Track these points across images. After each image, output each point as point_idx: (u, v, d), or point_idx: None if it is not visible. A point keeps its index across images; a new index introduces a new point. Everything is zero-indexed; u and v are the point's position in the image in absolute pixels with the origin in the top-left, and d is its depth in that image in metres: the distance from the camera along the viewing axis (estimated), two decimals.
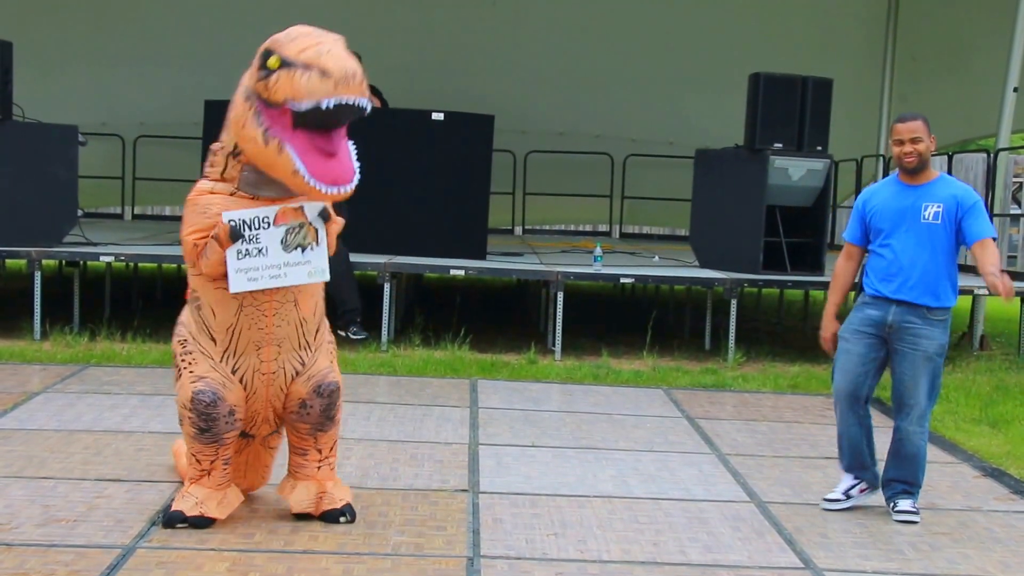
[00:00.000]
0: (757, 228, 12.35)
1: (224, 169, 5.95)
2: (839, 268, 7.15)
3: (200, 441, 6.03)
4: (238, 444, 6.30)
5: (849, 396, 6.90)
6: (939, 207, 6.67)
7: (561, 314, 11.95)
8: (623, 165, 20.47)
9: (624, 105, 20.05)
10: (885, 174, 17.07)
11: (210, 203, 5.92)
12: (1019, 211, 23.11)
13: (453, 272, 12.73)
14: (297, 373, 6.16)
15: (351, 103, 5.44)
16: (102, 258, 12.51)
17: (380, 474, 7.36)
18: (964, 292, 13.09)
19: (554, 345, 12.05)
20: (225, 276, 5.87)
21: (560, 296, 11.94)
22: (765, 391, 10.79)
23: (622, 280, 13.32)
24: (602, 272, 12.65)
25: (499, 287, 19.89)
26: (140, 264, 15.31)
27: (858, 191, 14.04)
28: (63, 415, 8.65)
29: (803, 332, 14.73)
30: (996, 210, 14.63)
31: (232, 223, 5.77)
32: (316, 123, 5.55)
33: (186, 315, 6.18)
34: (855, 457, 6.98)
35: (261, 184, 5.89)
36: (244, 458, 6.46)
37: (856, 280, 7.14)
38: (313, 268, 6.00)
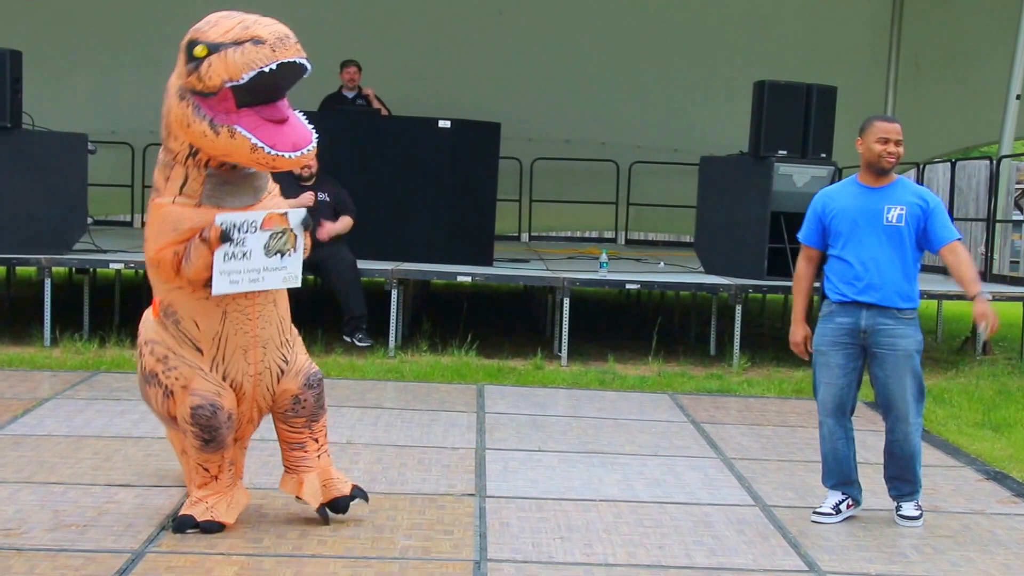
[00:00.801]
0: (762, 234, 12.38)
1: (184, 182, 5.86)
2: (801, 271, 7.06)
3: (205, 451, 6.07)
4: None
5: (836, 409, 6.80)
6: (902, 209, 6.63)
7: (567, 320, 11.99)
8: (628, 172, 20.50)
9: (629, 113, 20.09)
10: None
11: (180, 217, 5.85)
12: (1021, 217, 23.14)
13: (460, 278, 12.76)
14: (282, 372, 6.23)
15: (292, 62, 5.45)
16: (112, 265, 12.56)
17: (388, 478, 7.40)
18: (967, 297, 13.12)
19: (560, 351, 12.09)
20: (208, 283, 5.87)
21: (566, 302, 11.98)
22: (770, 396, 10.83)
23: (628, 286, 13.39)
24: (608, 278, 12.69)
25: (506, 293, 19.91)
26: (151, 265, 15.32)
27: None
28: (73, 421, 8.70)
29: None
30: (999, 216, 14.67)
31: (223, 225, 5.78)
32: (259, 96, 5.56)
33: (157, 332, 6.13)
34: (842, 474, 6.88)
35: (225, 195, 5.86)
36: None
37: (816, 284, 7.07)
38: (288, 274, 6.02)
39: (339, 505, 6.34)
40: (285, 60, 5.44)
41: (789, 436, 9.16)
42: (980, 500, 7.53)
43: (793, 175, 12.34)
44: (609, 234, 21.53)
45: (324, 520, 6.32)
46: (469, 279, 12.78)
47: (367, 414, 9.28)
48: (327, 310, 12.27)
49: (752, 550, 6.29)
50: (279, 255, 5.95)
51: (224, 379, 6.07)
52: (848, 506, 6.89)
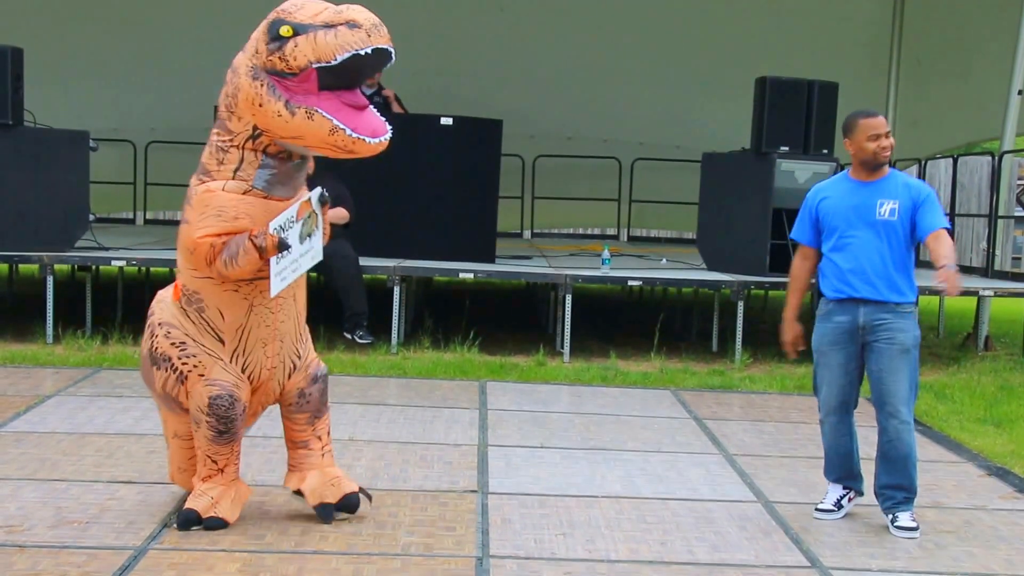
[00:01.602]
0: (764, 230, 12.39)
1: (239, 165, 5.86)
2: (796, 269, 7.00)
3: (217, 443, 6.09)
4: None
5: (840, 408, 6.75)
6: (895, 203, 6.54)
7: (569, 316, 11.99)
8: (631, 169, 20.50)
9: (631, 109, 20.07)
10: None
11: (224, 204, 5.84)
12: (1023, 213, 23.14)
13: (462, 275, 12.77)
14: (295, 367, 6.27)
15: (385, 49, 5.53)
16: (114, 263, 12.58)
17: (390, 475, 7.41)
18: (969, 293, 13.17)
19: (562, 347, 12.10)
20: (247, 280, 5.91)
21: (568, 299, 11.98)
22: (772, 392, 10.83)
23: (630, 282, 13.40)
24: (610, 275, 12.71)
25: (508, 290, 19.91)
26: (152, 268, 15.32)
27: None
28: (75, 418, 8.71)
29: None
30: (1000, 212, 14.66)
31: (276, 231, 5.76)
32: (343, 80, 5.60)
33: (175, 316, 6.12)
34: (845, 468, 6.86)
35: (275, 182, 5.88)
36: None
37: (813, 282, 7.03)
38: (314, 252, 6.06)
39: (350, 503, 6.35)
40: (380, 46, 5.51)
41: (791, 432, 9.17)
42: (982, 496, 7.54)
43: (795, 171, 12.35)
44: (611, 231, 21.53)
45: (324, 519, 6.32)
46: (471, 276, 12.78)
47: (369, 411, 9.29)
48: (329, 307, 12.26)
49: (754, 546, 6.30)
50: (309, 238, 5.98)
51: (243, 371, 6.11)
52: (850, 499, 6.89)
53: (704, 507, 7.01)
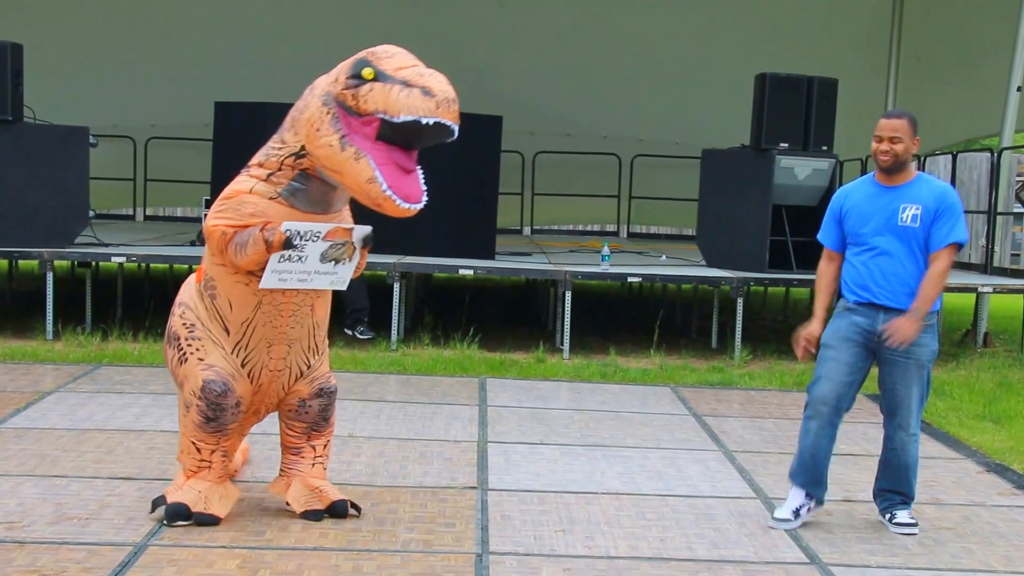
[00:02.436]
0: (763, 227, 12.40)
1: (276, 171, 5.95)
2: (822, 270, 6.79)
3: (204, 429, 6.10)
4: None
5: (833, 406, 6.52)
6: (917, 209, 6.35)
7: (569, 313, 12.00)
8: (630, 165, 20.51)
9: (631, 106, 20.09)
10: None
11: (245, 202, 5.94)
12: (1022, 210, 23.11)
13: (462, 272, 12.79)
14: (302, 374, 6.27)
15: (447, 125, 5.61)
16: (114, 259, 12.59)
17: (390, 472, 7.42)
18: (968, 290, 13.19)
19: (562, 344, 12.10)
20: (249, 273, 5.95)
21: (568, 295, 11.99)
22: (771, 389, 10.84)
23: (629, 279, 13.39)
24: (610, 271, 12.71)
25: (508, 286, 19.92)
26: (152, 265, 15.36)
27: None
28: (75, 414, 8.72)
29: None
30: (1000, 209, 14.67)
31: (288, 233, 5.82)
32: (400, 139, 5.66)
33: (193, 298, 6.23)
34: (814, 473, 6.62)
35: (302, 198, 5.93)
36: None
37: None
38: (337, 279, 6.10)
39: (337, 509, 6.33)
40: (442, 121, 5.58)
41: (790, 429, 9.15)
42: (981, 492, 7.54)
43: (794, 168, 12.37)
44: (611, 227, 21.54)
45: (314, 519, 6.31)
46: (471, 272, 12.81)
47: (369, 407, 9.30)
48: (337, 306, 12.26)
49: (754, 542, 6.31)
50: (333, 263, 6.00)
51: (243, 366, 6.12)
52: (809, 509, 6.65)
53: (704, 503, 7.01)
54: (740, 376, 11.27)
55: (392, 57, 5.69)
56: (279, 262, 5.85)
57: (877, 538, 6.47)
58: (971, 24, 18.28)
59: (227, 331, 6.10)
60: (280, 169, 5.94)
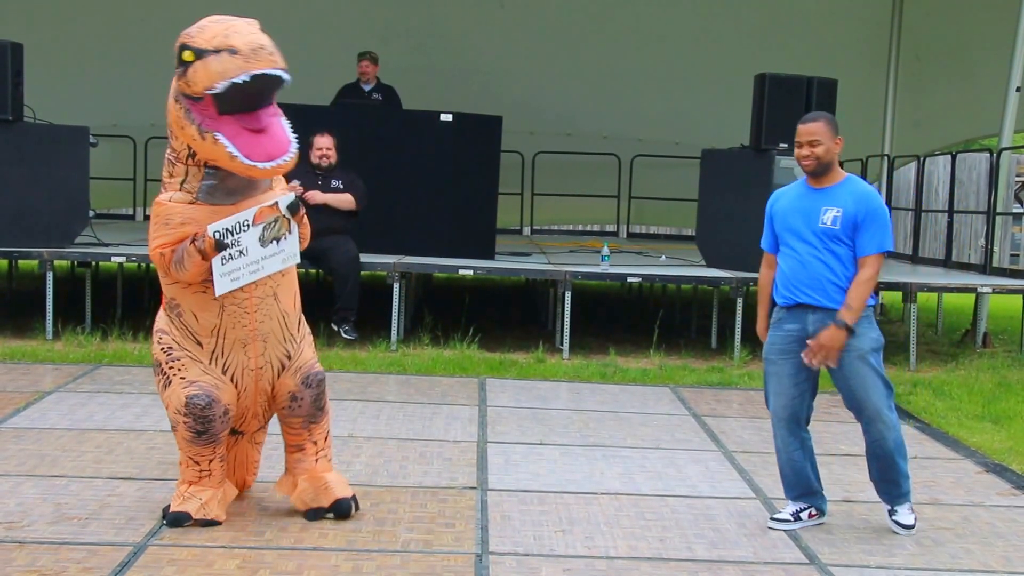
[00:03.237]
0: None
1: (184, 178, 5.95)
2: (762, 278, 6.82)
3: (197, 444, 6.09)
4: (228, 441, 6.37)
5: (789, 420, 6.49)
6: (838, 211, 6.32)
7: (569, 313, 12.00)
8: (630, 165, 20.50)
9: (631, 106, 20.08)
10: (890, 174, 17.13)
11: (171, 213, 5.93)
12: (1021, 210, 23.13)
13: (462, 272, 12.81)
14: (283, 367, 6.23)
15: (264, 74, 5.49)
16: (114, 259, 12.60)
17: (390, 472, 7.43)
18: (967, 290, 13.20)
19: (562, 344, 12.11)
20: (204, 281, 5.93)
21: (568, 295, 12.00)
22: None
23: (629, 279, 13.40)
24: (609, 271, 12.71)
25: (507, 287, 19.93)
26: (151, 265, 15.34)
27: None
28: (75, 414, 8.72)
29: None
30: (999, 209, 14.68)
31: (217, 234, 5.81)
32: (239, 105, 5.61)
33: (165, 323, 6.20)
34: (801, 484, 6.59)
35: (217, 192, 5.92)
36: (233, 455, 6.52)
37: None
38: (286, 255, 6.08)
39: (341, 508, 6.33)
40: (257, 72, 5.48)
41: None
42: (980, 492, 7.55)
43: (794, 168, 12.28)
44: (611, 227, 21.53)
45: (313, 519, 6.32)
46: (471, 272, 12.83)
47: (369, 407, 9.31)
48: (330, 303, 12.26)
49: (753, 543, 6.31)
50: (275, 242, 5.98)
51: (224, 373, 6.09)
52: (811, 515, 6.62)
53: (703, 504, 7.02)
54: (740, 376, 11.27)
55: (203, 30, 5.65)
56: (223, 264, 5.84)
57: (876, 538, 6.47)
58: (971, 24, 18.28)
59: (200, 344, 6.08)
60: (187, 174, 5.93)
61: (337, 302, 12.09)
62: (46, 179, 12.03)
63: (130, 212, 20.45)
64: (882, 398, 6.40)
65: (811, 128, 6.41)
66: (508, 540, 6.18)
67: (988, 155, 15.19)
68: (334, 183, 12.02)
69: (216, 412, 6.04)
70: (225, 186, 5.91)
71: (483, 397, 9.94)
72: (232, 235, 5.84)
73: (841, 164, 6.66)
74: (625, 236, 20.95)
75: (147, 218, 19.78)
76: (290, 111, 6.01)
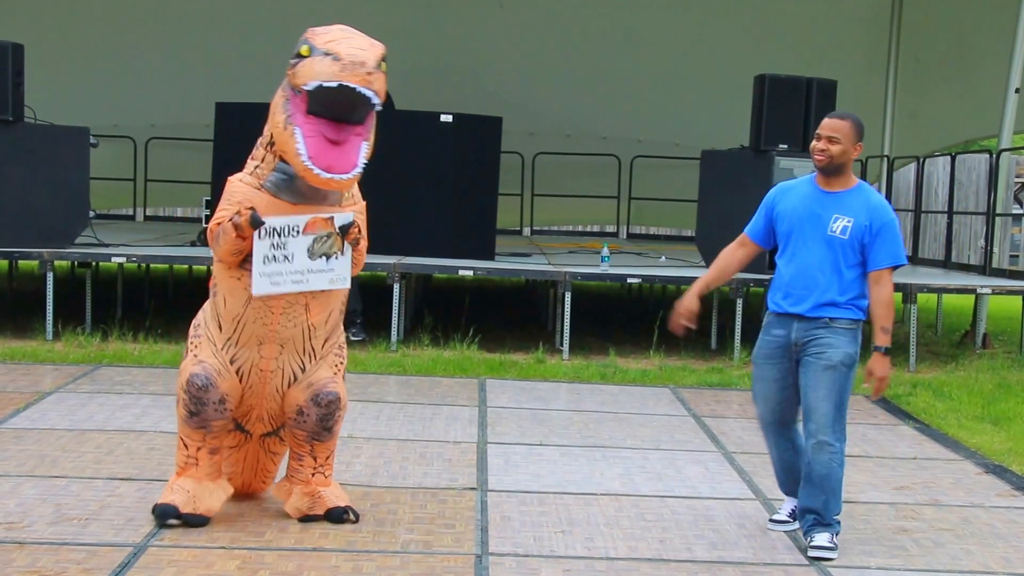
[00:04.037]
0: None
1: (260, 163, 6.01)
2: (728, 250, 6.64)
3: (189, 424, 6.10)
4: (235, 438, 6.37)
5: (776, 424, 6.40)
6: (848, 221, 6.13)
7: (569, 314, 12.01)
8: (630, 166, 20.52)
9: (630, 107, 20.09)
10: (889, 175, 17.13)
11: (234, 191, 5.99)
12: (1021, 211, 23.13)
13: (462, 273, 12.81)
14: (295, 378, 6.19)
15: (349, 86, 5.51)
16: (114, 259, 12.61)
17: (390, 472, 7.43)
18: (967, 291, 13.20)
19: (562, 345, 12.11)
20: (238, 265, 5.94)
21: (568, 296, 12.00)
22: None
23: (629, 280, 13.42)
24: (609, 272, 12.72)
25: (507, 287, 19.92)
26: (152, 265, 15.37)
27: None
28: (75, 414, 8.73)
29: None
30: (998, 210, 14.68)
31: (253, 214, 5.79)
32: (327, 110, 5.64)
33: (207, 303, 6.26)
34: (794, 480, 6.40)
35: (283, 187, 5.93)
36: (242, 454, 6.51)
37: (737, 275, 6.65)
38: (335, 276, 6.03)
39: (333, 515, 6.29)
40: (346, 84, 5.51)
41: None
42: (979, 493, 7.56)
43: (794, 169, 12.34)
44: (611, 228, 21.55)
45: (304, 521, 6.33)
46: (471, 273, 12.84)
47: (369, 408, 9.31)
48: None
49: (753, 544, 6.32)
50: (324, 258, 5.96)
51: (232, 362, 6.09)
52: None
53: (703, 505, 7.03)
54: (739, 377, 11.28)
55: (327, 32, 5.71)
56: (264, 264, 5.82)
57: (876, 539, 6.48)
58: (970, 26, 18.30)
59: (220, 328, 6.11)
60: (264, 159, 5.99)
61: None
62: (47, 179, 12.04)
63: (130, 212, 20.46)
64: (830, 416, 6.14)
65: (835, 124, 6.22)
66: (508, 541, 6.18)
67: (987, 156, 15.20)
68: None
69: (211, 396, 6.03)
70: (294, 185, 5.91)
71: (483, 398, 9.94)
72: (279, 236, 5.83)
73: None
74: (625, 237, 20.97)
75: (147, 219, 20.07)
76: None
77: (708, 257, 13.47)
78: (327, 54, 5.55)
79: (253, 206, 5.85)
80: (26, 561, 5.59)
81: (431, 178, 13.29)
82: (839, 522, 6.27)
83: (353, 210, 6.12)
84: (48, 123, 12.53)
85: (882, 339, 6.14)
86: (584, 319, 13.84)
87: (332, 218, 5.98)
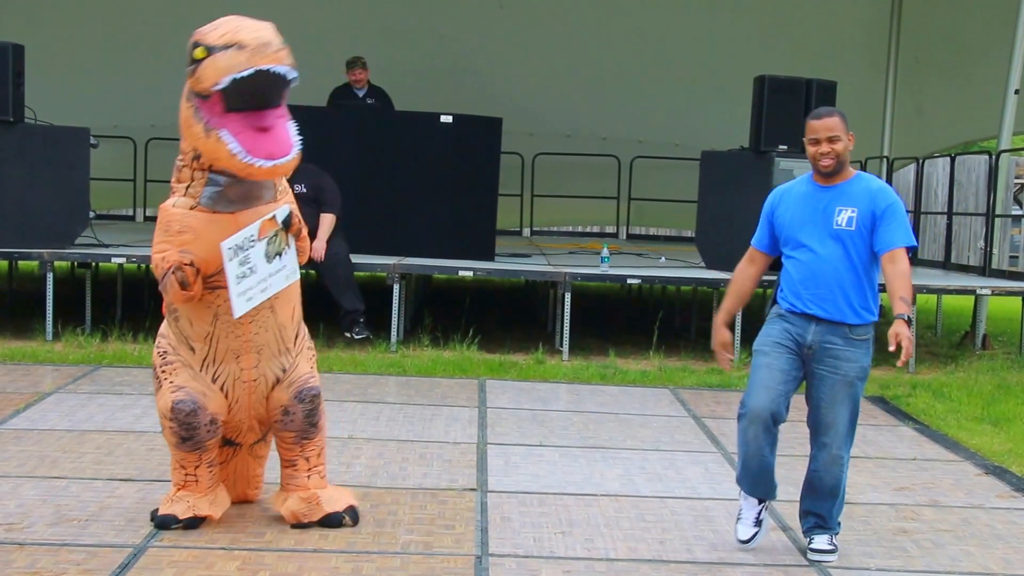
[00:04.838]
0: None
1: (190, 183, 5.93)
2: (740, 269, 6.46)
3: (183, 449, 6.07)
4: (226, 452, 6.35)
5: (768, 416, 6.05)
6: (853, 211, 5.95)
7: (568, 315, 12.01)
8: (630, 167, 20.52)
9: (630, 107, 20.09)
10: (889, 176, 17.12)
11: (170, 220, 5.91)
12: (1020, 212, 23.15)
13: (462, 273, 12.81)
14: (278, 380, 6.16)
15: (267, 70, 5.45)
16: (114, 260, 12.59)
17: (389, 473, 7.43)
18: (966, 292, 13.20)
19: (562, 345, 12.11)
20: (184, 301, 5.89)
21: (568, 297, 12.00)
22: None
23: (629, 281, 13.41)
24: (609, 273, 12.73)
25: (507, 288, 19.93)
26: (151, 266, 15.34)
27: None
28: (75, 415, 8.73)
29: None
30: (998, 211, 14.69)
31: (235, 251, 5.73)
32: (246, 102, 5.58)
33: (165, 328, 6.19)
34: (764, 482, 6.19)
35: (220, 199, 5.87)
36: (233, 467, 6.50)
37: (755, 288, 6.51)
38: (288, 271, 6.00)
39: (330, 521, 6.25)
40: (261, 67, 5.44)
41: (788, 431, 9.06)
42: (979, 495, 7.55)
43: (794, 170, 12.32)
44: (610, 229, 21.55)
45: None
46: (471, 274, 12.83)
47: (368, 409, 9.31)
48: (328, 304, 12.26)
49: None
50: (278, 257, 5.94)
51: (214, 381, 6.04)
52: (765, 508, 6.29)
53: (703, 506, 7.03)
54: (739, 378, 11.25)
55: (216, 28, 5.60)
56: (238, 283, 5.75)
57: (876, 540, 6.48)
58: (970, 26, 18.30)
59: (192, 349, 6.04)
60: (192, 179, 5.92)
61: (341, 308, 12.07)
62: (47, 180, 12.04)
63: (130, 213, 20.47)
64: (845, 430, 6.12)
65: (829, 123, 6.07)
66: (508, 542, 6.19)
67: (987, 157, 15.21)
68: (298, 187, 11.43)
69: (201, 420, 5.98)
70: (227, 195, 5.86)
71: (483, 398, 9.94)
72: (242, 250, 5.76)
73: None
74: (625, 237, 20.98)
75: (147, 219, 20.05)
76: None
77: (708, 258, 13.50)
78: (228, 46, 5.47)
79: (189, 250, 5.79)
80: (26, 562, 5.59)
81: (431, 179, 13.29)
82: (839, 524, 6.28)
83: (286, 201, 6.08)
84: (48, 123, 12.53)
85: (902, 307, 5.81)
86: (584, 320, 13.84)
87: (274, 216, 5.95)
